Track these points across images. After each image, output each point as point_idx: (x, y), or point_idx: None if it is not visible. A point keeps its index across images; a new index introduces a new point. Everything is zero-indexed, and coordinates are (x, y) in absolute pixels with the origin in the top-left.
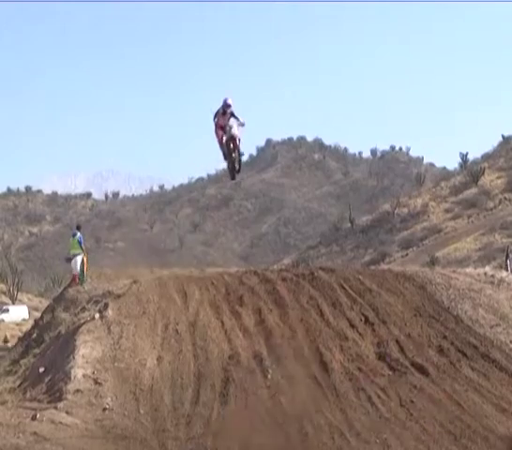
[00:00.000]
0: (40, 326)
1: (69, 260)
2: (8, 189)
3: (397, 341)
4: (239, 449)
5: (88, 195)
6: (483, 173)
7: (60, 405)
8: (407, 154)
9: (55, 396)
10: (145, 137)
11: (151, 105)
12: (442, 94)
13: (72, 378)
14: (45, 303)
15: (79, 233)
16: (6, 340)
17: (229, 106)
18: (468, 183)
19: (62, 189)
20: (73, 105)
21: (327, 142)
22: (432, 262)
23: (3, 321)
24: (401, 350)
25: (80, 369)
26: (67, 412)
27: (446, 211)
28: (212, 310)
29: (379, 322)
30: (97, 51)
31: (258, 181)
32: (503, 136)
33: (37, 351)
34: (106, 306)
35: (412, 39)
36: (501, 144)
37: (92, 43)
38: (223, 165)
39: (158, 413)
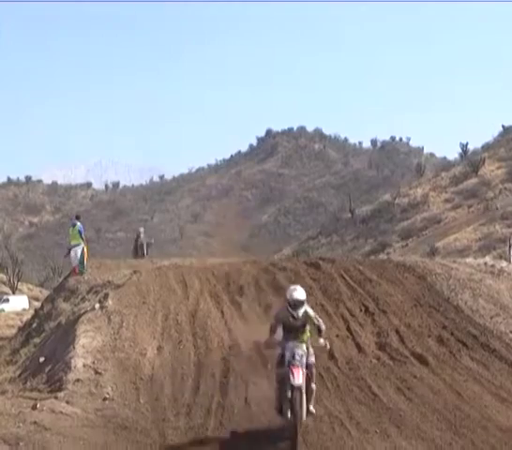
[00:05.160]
0: (40, 316)
1: (69, 252)
2: (9, 179)
3: (397, 331)
4: (239, 439)
5: (88, 185)
6: (483, 164)
7: (60, 395)
8: (407, 144)
9: (56, 385)
10: (146, 127)
11: (151, 96)
12: (442, 84)
13: (72, 368)
14: (45, 293)
15: (79, 223)
16: None
17: (302, 303)
18: (468, 173)
19: (62, 179)
20: (74, 96)
21: (327, 132)
22: (432, 253)
23: (3, 310)
24: (401, 340)
25: (80, 359)
26: (67, 402)
27: (446, 201)
28: (212, 300)
29: (379, 312)
30: (96, 43)
31: (258, 171)
32: (503, 126)
33: (37, 340)
34: (106, 296)
35: (412, 29)
36: (501, 134)
37: (90, 33)
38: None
39: (159, 403)
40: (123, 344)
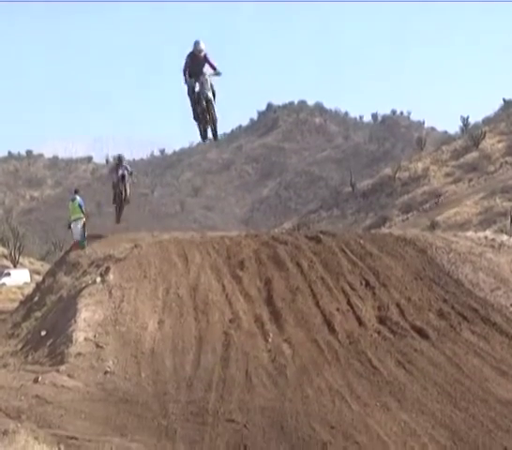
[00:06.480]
0: (42, 290)
1: (70, 226)
2: (9, 153)
3: (397, 305)
4: (240, 412)
5: (89, 159)
6: (484, 137)
7: (62, 368)
8: (408, 118)
9: (57, 359)
10: (146, 101)
11: (151, 69)
12: (443, 57)
13: (74, 341)
14: (46, 266)
15: (78, 197)
16: None
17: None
18: (469, 147)
19: (63, 153)
20: (74, 70)
21: (328, 106)
22: (433, 226)
23: (4, 284)
24: (402, 313)
25: (81, 333)
26: (68, 376)
27: (447, 175)
28: (213, 274)
29: (379, 286)
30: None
31: (259, 145)
32: (504, 99)
33: (38, 314)
34: (107, 269)
35: (413, 1)
36: (502, 108)
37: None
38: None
39: (160, 377)
40: (124, 318)
